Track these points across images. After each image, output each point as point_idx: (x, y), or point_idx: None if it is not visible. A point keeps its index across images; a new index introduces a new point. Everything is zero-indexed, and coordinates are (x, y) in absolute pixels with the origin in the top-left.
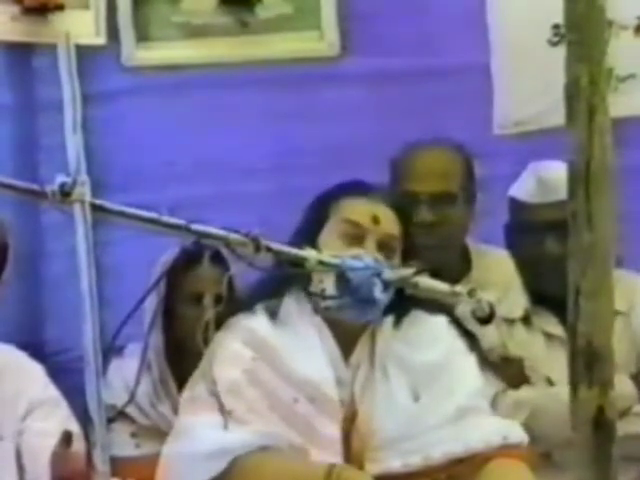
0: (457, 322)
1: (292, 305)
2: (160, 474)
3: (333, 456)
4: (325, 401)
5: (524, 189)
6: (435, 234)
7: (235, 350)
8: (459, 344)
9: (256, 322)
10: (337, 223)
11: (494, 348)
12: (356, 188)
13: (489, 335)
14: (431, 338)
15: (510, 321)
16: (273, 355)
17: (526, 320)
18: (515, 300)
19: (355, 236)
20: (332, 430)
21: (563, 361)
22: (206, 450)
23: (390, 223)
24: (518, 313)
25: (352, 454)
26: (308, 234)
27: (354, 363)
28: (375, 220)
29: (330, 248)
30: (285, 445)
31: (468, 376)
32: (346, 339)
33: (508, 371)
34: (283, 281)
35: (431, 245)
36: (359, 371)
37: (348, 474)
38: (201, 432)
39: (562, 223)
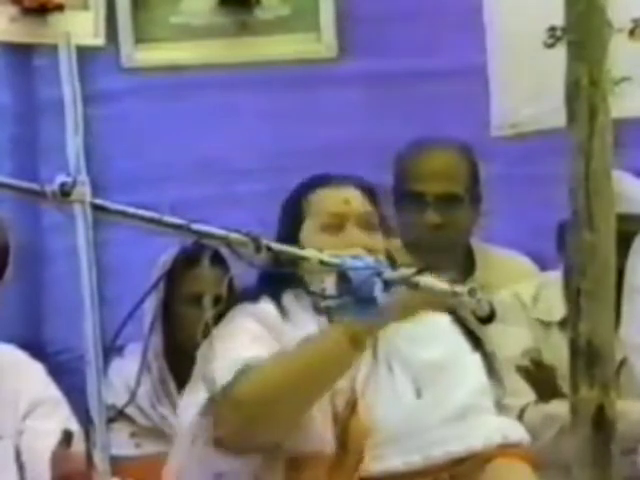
0: (460, 322)
1: (292, 302)
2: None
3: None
4: None
5: None
6: (442, 236)
7: (243, 325)
8: (462, 341)
9: (263, 305)
10: (314, 218)
11: (528, 351)
12: (319, 180)
13: (523, 337)
14: (434, 334)
15: (546, 324)
16: (281, 337)
17: (563, 325)
18: (552, 302)
19: (335, 225)
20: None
21: None
22: None
23: (361, 201)
24: (556, 317)
25: (351, 441)
26: (289, 236)
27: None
28: (347, 202)
29: (315, 243)
30: None
31: (470, 374)
32: None
33: (539, 377)
34: (279, 281)
35: (437, 246)
36: (362, 364)
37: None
38: None
39: (619, 236)
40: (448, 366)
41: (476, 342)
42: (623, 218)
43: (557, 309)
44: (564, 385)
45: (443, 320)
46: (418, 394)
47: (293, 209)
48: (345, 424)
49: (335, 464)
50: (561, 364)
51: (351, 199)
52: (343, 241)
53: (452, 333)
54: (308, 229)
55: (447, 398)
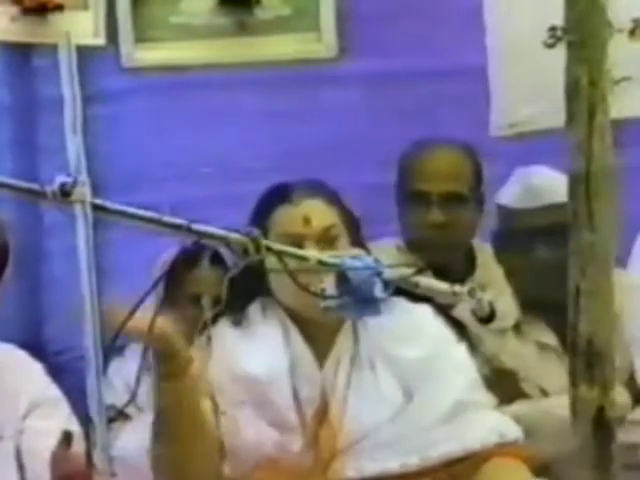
0: (443, 310)
1: (257, 310)
2: None
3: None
4: (270, 405)
5: (511, 195)
6: (445, 235)
7: None
8: (448, 335)
9: (217, 327)
10: (275, 239)
11: (489, 360)
12: (280, 196)
13: (485, 346)
14: (418, 331)
15: (501, 331)
16: (225, 353)
17: (517, 329)
18: (505, 308)
19: (296, 245)
20: (266, 437)
21: (556, 371)
22: None
23: (322, 215)
24: (509, 322)
25: (321, 450)
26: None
27: (333, 359)
28: (306, 221)
29: (276, 263)
30: None
31: (460, 369)
32: (322, 338)
33: (503, 385)
34: (248, 291)
35: (440, 245)
36: (339, 367)
37: None
38: None
39: (550, 228)
40: (435, 364)
41: (461, 330)
42: (549, 209)
43: (510, 314)
44: (526, 386)
45: (426, 313)
46: (408, 395)
47: (258, 226)
48: (315, 433)
49: (305, 472)
50: (521, 367)
51: (312, 216)
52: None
53: (436, 326)
54: None
55: (439, 397)
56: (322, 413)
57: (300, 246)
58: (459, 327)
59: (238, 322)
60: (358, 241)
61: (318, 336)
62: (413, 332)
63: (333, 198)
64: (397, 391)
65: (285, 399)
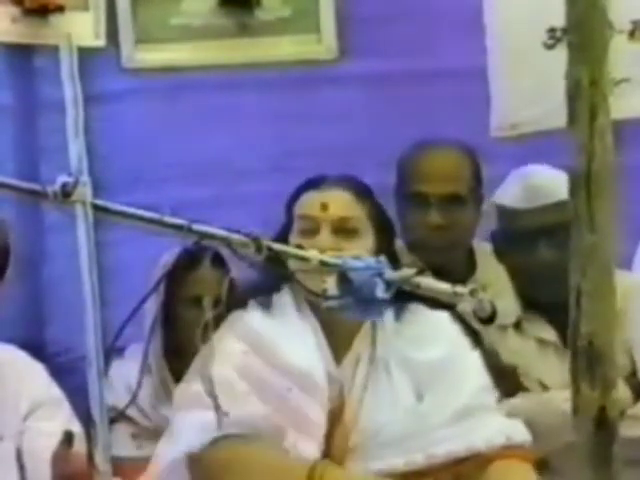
0: (460, 318)
1: (288, 297)
2: (153, 473)
3: (316, 444)
4: (317, 390)
5: (511, 195)
6: (444, 236)
7: (226, 346)
8: (462, 341)
9: (249, 315)
10: (296, 221)
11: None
12: (311, 183)
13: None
14: (434, 335)
15: (502, 328)
16: (266, 346)
17: (517, 326)
18: (507, 306)
19: (309, 229)
20: (320, 418)
21: (556, 366)
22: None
23: (343, 205)
24: (510, 319)
25: (334, 448)
26: (279, 237)
27: (351, 359)
28: (324, 207)
29: (294, 245)
30: (266, 428)
31: (472, 373)
32: (340, 336)
33: (503, 382)
34: (278, 278)
35: (439, 247)
36: (358, 368)
37: (332, 472)
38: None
39: (553, 227)
40: (448, 367)
41: (476, 338)
42: (550, 208)
43: (511, 313)
44: (525, 381)
45: (442, 318)
46: (419, 397)
47: (286, 211)
48: (330, 431)
49: None
50: (521, 362)
51: (331, 203)
52: (315, 245)
53: (451, 332)
54: (293, 231)
55: (448, 399)
56: (338, 412)
57: (317, 230)
58: (475, 335)
59: (267, 306)
60: (385, 244)
61: (337, 334)
62: (429, 336)
63: (365, 195)
64: (410, 393)
65: (324, 383)
